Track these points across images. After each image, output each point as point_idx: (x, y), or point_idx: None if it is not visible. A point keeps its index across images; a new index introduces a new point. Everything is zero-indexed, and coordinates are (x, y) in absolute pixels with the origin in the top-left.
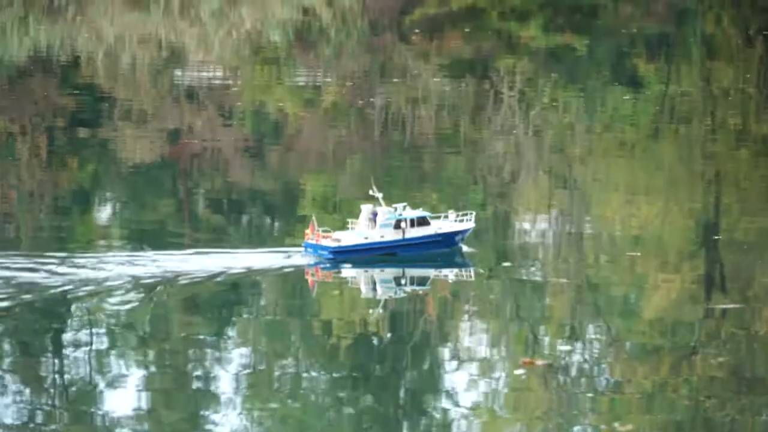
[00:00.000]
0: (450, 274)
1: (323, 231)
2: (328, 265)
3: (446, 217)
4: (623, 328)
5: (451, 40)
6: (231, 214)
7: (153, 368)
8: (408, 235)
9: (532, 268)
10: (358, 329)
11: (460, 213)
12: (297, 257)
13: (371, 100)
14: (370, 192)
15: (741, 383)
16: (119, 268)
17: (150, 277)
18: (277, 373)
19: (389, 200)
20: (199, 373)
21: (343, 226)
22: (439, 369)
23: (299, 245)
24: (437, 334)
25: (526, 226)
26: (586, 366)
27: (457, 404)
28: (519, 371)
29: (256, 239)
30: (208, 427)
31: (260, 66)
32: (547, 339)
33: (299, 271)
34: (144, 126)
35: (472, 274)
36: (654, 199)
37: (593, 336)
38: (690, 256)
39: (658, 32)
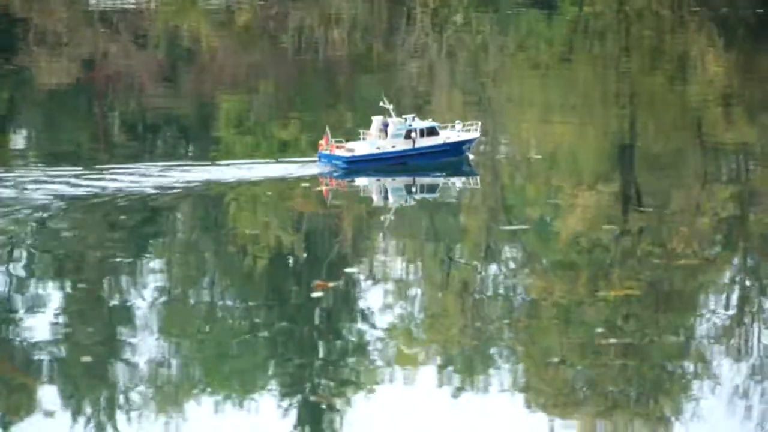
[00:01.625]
0: (458, 182)
1: (336, 141)
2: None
3: (453, 127)
4: (539, 246)
5: None
6: (146, 134)
7: (69, 289)
8: (418, 145)
9: (450, 188)
10: (273, 248)
11: (467, 123)
12: (312, 167)
13: (284, 22)
14: (381, 103)
15: (658, 302)
16: (36, 186)
17: (70, 196)
18: (192, 301)
19: (303, 123)
20: (116, 294)
21: (255, 151)
22: (355, 289)
23: (211, 163)
24: (351, 253)
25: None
26: (502, 286)
27: (373, 326)
28: (435, 292)
29: (170, 156)
30: (126, 349)
31: None
32: (462, 259)
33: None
34: (59, 51)
35: (479, 182)
36: (569, 118)
37: (509, 255)
38: (606, 174)
39: None
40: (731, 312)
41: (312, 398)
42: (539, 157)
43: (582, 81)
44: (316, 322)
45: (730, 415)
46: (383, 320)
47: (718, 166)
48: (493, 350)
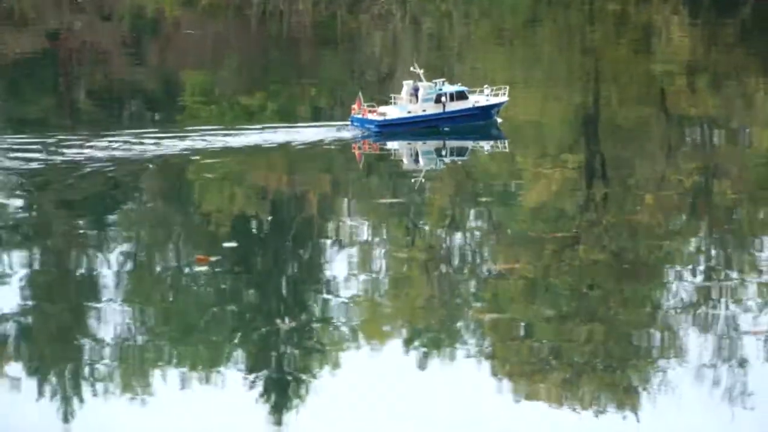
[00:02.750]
0: (486, 145)
1: (369, 106)
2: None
3: (482, 91)
4: (505, 216)
5: None
6: (113, 104)
7: (33, 260)
8: (448, 109)
9: (412, 160)
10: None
11: (495, 87)
12: (344, 131)
13: None
14: (411, 69)
15: (623, 272)
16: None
17: (39, 165)
18: (158, 270)
19: (269, 93)
20: (81, 266)
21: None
22: (320, 256)
23: (173, 133)
24: (317, 227)
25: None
26: (468, 255)
27: (336, 296)
28: (400, 255)
29: (137, 125)
30: (91, 322)
31: None
32: (427, 228)
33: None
34: (25, 26)
35: (507, 145)
36: (533, 90)
37: (474, 224)
38: (570, 145)
39: None
40: (697, 282)
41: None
42: (504, 127)
43: (546, 52)
44: (284, 292)
45: (696, 385)
46: (349, 290)
47: (683, 136)
48: (459, 321)
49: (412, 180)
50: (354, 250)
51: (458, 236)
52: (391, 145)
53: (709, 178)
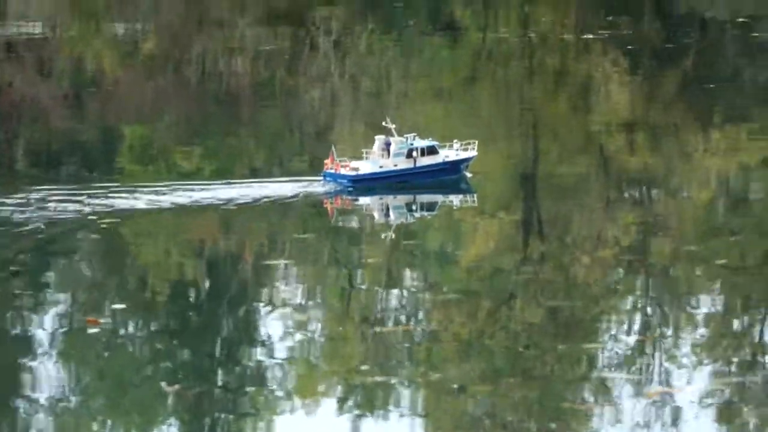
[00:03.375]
0: (455, 200)
1: (341, 161)
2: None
3: (451, 146)
4: (440, 273)
5: None
6: (50, 162)
7: None
8: (419, 164)
9: (348, 215)
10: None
11: (464, 142)
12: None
13: (188, 51)
14: (383, 123)
15: (559, 331)
16: None
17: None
18: (93, 329)
19: (206, 150)
20: (16, 324)
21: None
22: (255, 317)
23: (110, 190)
24: (252, 283)
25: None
26: (403, 314)
27: (271, 354)
28: (335, 320)
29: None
30: (26, 375)
31: (79, 19)
32: (364, 286)
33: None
34: None
35: (476, 199)
36: (472, 145)
37: (410, 283)
38: (508, 201)
39: None
40: (633, 340)
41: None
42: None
43: (485, 107)
44: (217, 351)
45: None
46: (283, 349)
47: (621, 192)
48: (393, 379)
49: (351, 237)
50: (287, 310)
51: (394, 295)
52: (363, 200)
53: (647, 235)
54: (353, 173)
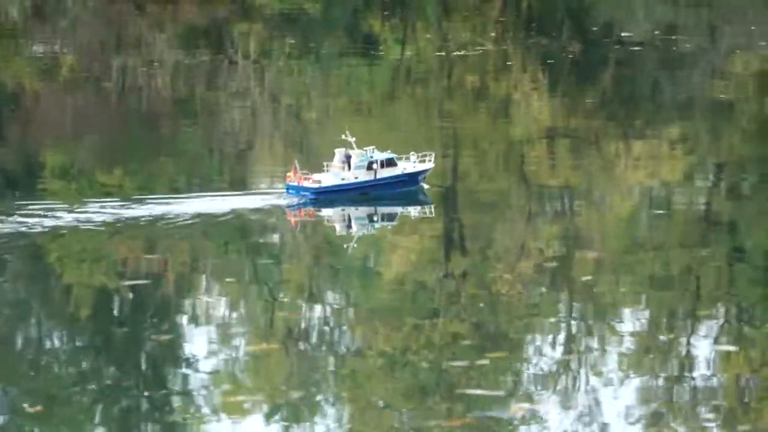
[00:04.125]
0: (413, 211)
1: (303, 173)
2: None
3: (408, 158)
4: (363, 291)
5: (185, 7)
6: None
7: None
8: (379, 176)
9: (269, 234)
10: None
11: (421, 154)
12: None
13: (108, 70)
14: (343, 136)
15: (483, 345)
16: None
17: None
18: (18, 348)
19: (126, 169)
20: None
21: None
22: (180, 336)
23: (32, 210)
24: (177, 300)
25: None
26: (326, 330)
27: (196, 372)
28: (259, 337)
29: None
30: None
31: None
32: (288, 302)
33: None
34: None
35: (433, 211)
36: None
37: (332, 301)
38: (429, 217)
39: None
40: (557, 354)
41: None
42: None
43: (404, 124)
44: (143, 369)
45: None
46: (208, 365)
47: (543, 205)
48: (318, 396)
49: (274, 253)
50: (211, 327)
51: (317, 311)
52: (326, 212)
53: (569, 248)
54: (316, 185)
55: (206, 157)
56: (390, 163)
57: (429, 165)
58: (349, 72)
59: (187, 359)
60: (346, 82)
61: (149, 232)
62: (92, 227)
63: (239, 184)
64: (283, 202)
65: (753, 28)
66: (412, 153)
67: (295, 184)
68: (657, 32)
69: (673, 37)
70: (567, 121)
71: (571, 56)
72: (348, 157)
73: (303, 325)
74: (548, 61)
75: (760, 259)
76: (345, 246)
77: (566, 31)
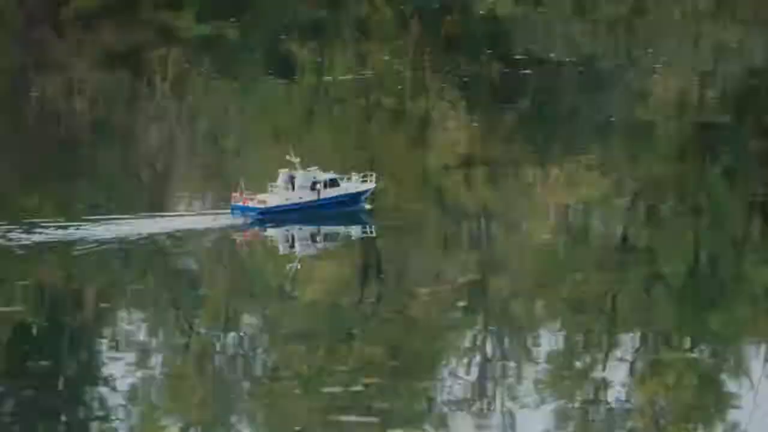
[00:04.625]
0: (354, 230)
1: (248, 194)
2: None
3: (349, 178)
4: (280, 314)
5: (106, 31)
6: None
7: None
8: (323, 196)
9: (188, 257)
10: None
11: (362, 174)
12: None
13: (28, 94)
14: (287, 157)
15: (398, 367)
16: None
17: None
18: None
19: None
20: None
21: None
22: (98, 359)
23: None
24: (93, 325)
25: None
26: (243, 352)
27: (114, 393)
28: (177, 361)
29: None
30: None
31: None
32: (203, 323)
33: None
34: None
35: (374, 230)
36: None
37: (250, 322)
38: (346, 241)
39: (311, 17)
40: (473, 377)
41: None
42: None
43: (321, 148)
44: (61, 391)
45: None
46: (126, 387)
47: (460, 229)
48: (234, 416)
49: (193, 277)
50: (129, 350)
51: (233, 334)
52: (271, 231)
53: (486, 272)
54: (261, 206)
55: (126, 180)
56: (333, 183)
57: (371, 185)
58: (267, 95)
59: (105, 382)
60: (265, 105)
61: (66, 255)
62: (8, 250)
63: (159, 207)
64: (228, 222)
65: (671, 50)
66: (353, 173)
67: (241, 204)
68: (576, 55)
69: (592, 60)
70: (485, 144)
71: (489, 79)
72: (292, 178)
73: (220, 347)
74: (467, 84)
75: (676, 283)
76: (274, 266)
77: (485, 54)
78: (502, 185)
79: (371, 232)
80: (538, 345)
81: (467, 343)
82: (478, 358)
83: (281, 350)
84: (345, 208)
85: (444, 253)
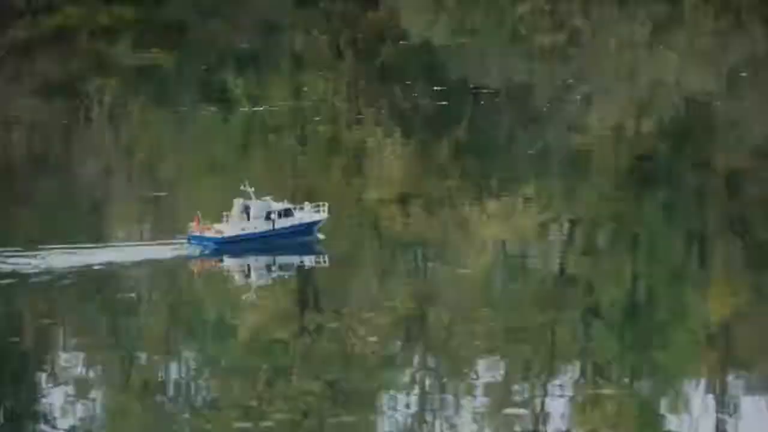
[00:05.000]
0: (307, 260)
1: (204, 224)
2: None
3: (302, 208)
4: (219, 346)
5: (42, 61)
6: None
7: None
8: (277, 226)
9: (126, 292)
10: None
11: (314, 204)
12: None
13: None
14: (242, 187)
15: (337, 399)
16: None
17: None
18: None
19: None
20: None
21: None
22: (38, 392)
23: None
24: (33, 357)
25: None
26: (182, 386)
27: (54, 427)
28: (116, 393)
29: None
30: None
31: None
32: (144, 357)
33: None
34: None
35: (328, 260)
36: None
37: (189, 354)
38: (299, 271)
39: (247, 47)
40: (412, 409)
41: None
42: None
43: (258, 178)
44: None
45: None
46: (65, 422)
47: (396, 261)
48: None
49: (131, 308)
50: (69, 383)
51: (174, 366)
52: (227, 261)
53: (423, 304)
54: (219, 236)
55: (64, 211)
56: (287, 213)
57: (324, 215)
58: (203, 125)
59: (44, 416)
60: (200, 135)
61: (11, 286)
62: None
63: (98, 238)
64: (185, 252)
65: (607, 80)
66: (306, 203)
67: (198, 234)
68: (512, 86)
69: (528, 92)
70: (421, 175)
71: (424, 110)
72: (247, 208)
73: (160, 379)
74: (402, 114)
75: (613, 315)
76: (198, 303)
77: (420, 85)
78: (439, 217)
79: (324, 262)
80: (476, 376)
81: (405, 376)
82: (416, 390)
83: (220, 382)
84: (299, 238)
85: (381, 286)
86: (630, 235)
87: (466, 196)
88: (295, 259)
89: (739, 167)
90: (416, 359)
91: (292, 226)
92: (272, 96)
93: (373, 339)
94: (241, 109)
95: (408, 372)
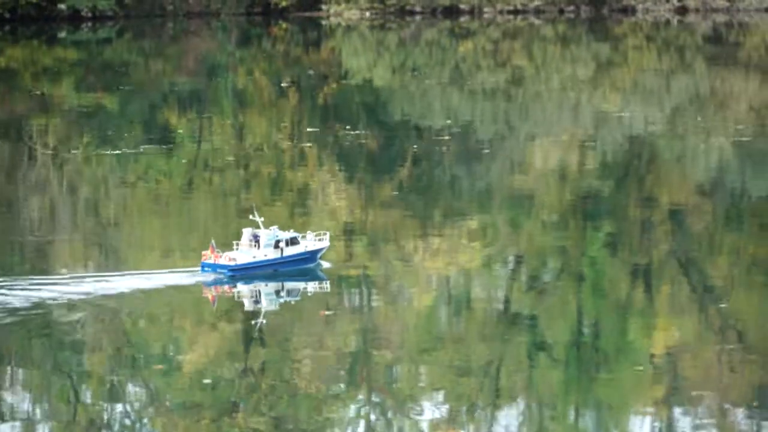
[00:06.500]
0: (310, 286)
1: (218, 252)
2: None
3: (304, 237)
4: (163, 384)
5: None
6: None
7: None
8: (285, 253)
9: (76, 328)
10: None
11: (316, 233)
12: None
13: None
14: (251, 217)
15: None
16: None
17: None
18: None
19: None
20: None
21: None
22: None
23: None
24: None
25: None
26: (126, 424)
27: None
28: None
29: None
30: None
31: None
32: (88, 394)
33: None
34: None
35: (328, 285)
36: (190, 259)
37: (134, 392)
38: (226, 310)
39: (190, 87)
40: None
41: None
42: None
43: (202, 219)
44: None
45: None
46: None
47: (341, 299)
48: None
49: (76, 345)
50: (14, 421)
51: (118, 406)
52: (240, 287)
53: (368, 343)
54: (233, 263)
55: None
56: (293, 241)
57: (326, 243)
58: (146, 165)
59: None
60: (144, 174)
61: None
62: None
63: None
64: (199, 279)
65: (551, 118)
66: (309, 231)
67: (211, 261)
68: (454, 124)
69: (471, 129)
70: (364, 213)
71: (368, 149)
72: (256, 237)
73: (105, 420)
74: (345, 154)
75: (559, 352)
76: (142, 340)
77: (363, 123)
78: (382, 254)
79: (327, 288)
80: (421, 413)
81: (351, 415)
82: (362, 429)
83: (165, 421)
84: (303, 265)
85: (325, 324)
86: (575, 270)
87: (410, 232)
88: (300, 285)
89: (682, 202)
90: (361, 397)
91: (299, 254)
92: (215, 135)
93: (318, 377)
94: (184, 148)
95: (353, 410)
